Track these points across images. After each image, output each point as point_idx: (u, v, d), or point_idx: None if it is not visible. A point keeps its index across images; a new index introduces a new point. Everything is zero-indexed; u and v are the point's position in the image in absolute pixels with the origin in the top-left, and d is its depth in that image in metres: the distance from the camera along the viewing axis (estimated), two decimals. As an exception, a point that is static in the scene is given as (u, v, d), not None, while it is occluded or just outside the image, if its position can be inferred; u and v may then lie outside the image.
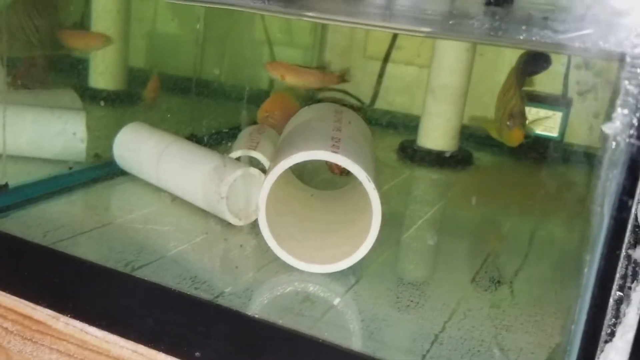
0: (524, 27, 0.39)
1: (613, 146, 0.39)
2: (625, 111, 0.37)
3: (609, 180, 0.40)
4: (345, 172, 0.72)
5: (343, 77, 0.96)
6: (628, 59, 0.36)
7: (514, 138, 0.83)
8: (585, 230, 0.42)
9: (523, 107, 0.83)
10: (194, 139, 0.85)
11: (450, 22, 0.41)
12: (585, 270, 0.41)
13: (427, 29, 0.58)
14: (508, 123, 0.82)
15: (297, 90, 0.98)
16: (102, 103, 0.89)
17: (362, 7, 0.52)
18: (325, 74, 0.94)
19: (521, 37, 0.40)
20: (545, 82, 1.13)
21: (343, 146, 0.63)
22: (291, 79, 0.91)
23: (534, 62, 0.90)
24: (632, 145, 0.38)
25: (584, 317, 0.41)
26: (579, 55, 0.39)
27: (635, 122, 0.37)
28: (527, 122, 0.84)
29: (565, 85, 1.12)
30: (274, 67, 0.92)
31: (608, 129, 0.38)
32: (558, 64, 1.09)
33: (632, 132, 0.37)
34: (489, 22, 0.40)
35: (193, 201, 0.73)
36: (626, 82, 0.37)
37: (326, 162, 0.69)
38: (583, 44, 0.38)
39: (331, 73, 0.95)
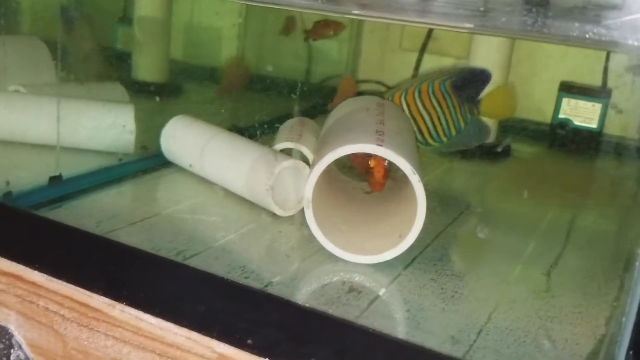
0: (577, 25, 0.40)
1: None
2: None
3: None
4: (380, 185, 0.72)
5: None
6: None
7: None
8: (635, 224, 0.42)
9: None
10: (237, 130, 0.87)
11: (503, 20, 0.42)
12: (637, 263, 0.41)
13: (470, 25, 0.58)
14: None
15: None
16: (157, 98, 0.91)
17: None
18: None
19: (574, 34, 0.40)
20: (585, 73, 1.13)
21: (387, 139, 0.64)
22: None
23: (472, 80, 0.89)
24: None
25: (635, 309, 0.42)
26: (632, 52, 0.40)
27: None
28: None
29: (605, 76, 1.11)
30: None
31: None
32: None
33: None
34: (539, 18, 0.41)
35: (237, 192, 0.75)
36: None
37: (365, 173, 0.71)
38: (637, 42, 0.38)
39: None
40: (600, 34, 0.40)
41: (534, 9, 0.41)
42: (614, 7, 0.39)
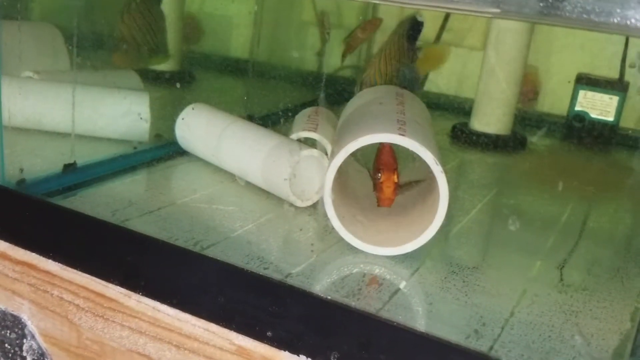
0: (618, 10, 0.39)
1: None
2: None
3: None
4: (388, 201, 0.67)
5: None
6: None
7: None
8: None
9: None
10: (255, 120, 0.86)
11: (541, 4, 0.41)
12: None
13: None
14: None
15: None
16: (177, 85, 0.90)
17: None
18: None
19: (615, 21, 0.39)
20: (602, 65, 1.11)
21: (409, 129, 0.63)
22: None
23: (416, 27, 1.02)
24: None
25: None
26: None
27: None
28: None
29: (622, 68, 1.10)
30: None
31: None
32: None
33: None
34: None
35: (254, 181, 0.74)
36: None
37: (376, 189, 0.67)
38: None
39: None
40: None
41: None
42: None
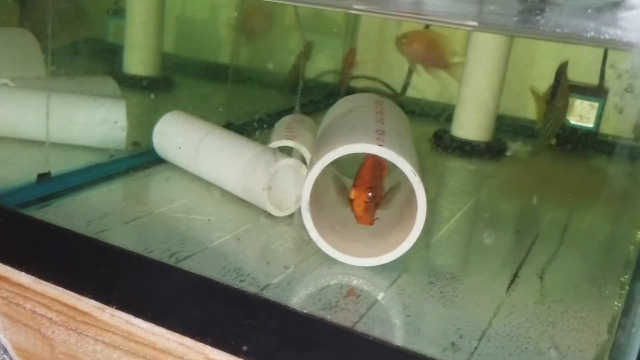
0: (592, 25, 0.39)
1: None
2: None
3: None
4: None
5: None
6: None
7: None
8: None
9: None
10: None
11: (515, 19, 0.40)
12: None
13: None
14: None
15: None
16: (152, 96, 0.89)
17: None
18: None
19: (589, 35, 0.39)
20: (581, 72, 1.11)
21: (388, 139, 0.63)
22: None
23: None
24: None
25: (646, 320, 0.41)
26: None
27: None
28: None
29: (602, 75, 1.10)
30: None
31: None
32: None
33: None
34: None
35: (232, 191, 0.73)
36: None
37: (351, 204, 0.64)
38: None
39: None
40: (617, 35, 0.38)
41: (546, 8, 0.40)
42: (630, 8, 0.38)
